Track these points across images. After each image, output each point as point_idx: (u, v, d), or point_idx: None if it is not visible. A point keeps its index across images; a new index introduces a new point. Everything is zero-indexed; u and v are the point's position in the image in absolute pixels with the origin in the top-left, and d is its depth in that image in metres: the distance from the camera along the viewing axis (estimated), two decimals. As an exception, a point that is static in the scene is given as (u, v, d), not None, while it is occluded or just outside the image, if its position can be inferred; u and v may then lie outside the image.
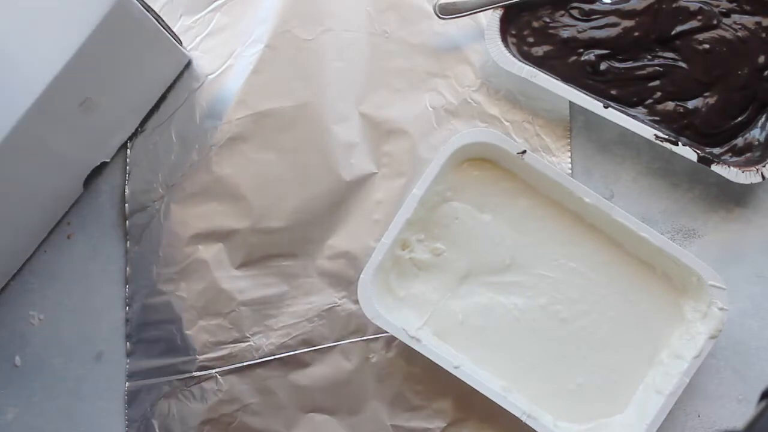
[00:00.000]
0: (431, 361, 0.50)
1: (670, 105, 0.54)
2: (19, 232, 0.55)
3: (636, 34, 0.54)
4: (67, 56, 0.45)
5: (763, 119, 0.54)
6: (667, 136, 0.53)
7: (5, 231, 0.53)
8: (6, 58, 0.44)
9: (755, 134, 0.54)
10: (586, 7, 0.55)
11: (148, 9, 0.51)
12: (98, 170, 0.58)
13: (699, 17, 0.54)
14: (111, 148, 0.58)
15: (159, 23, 0.53)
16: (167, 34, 0.54)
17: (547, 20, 0.55)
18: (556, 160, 0.56)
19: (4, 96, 0.44)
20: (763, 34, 0.54)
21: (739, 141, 0.54)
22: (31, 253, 0.57)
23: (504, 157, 0.53)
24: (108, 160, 0.57)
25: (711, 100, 0.54)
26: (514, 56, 0.55)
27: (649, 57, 0.54)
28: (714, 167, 0.52)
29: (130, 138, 0.58)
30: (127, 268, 0.57)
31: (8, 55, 0.44)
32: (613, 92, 0.54)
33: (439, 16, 0.56)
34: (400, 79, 0.58)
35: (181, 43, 0.57)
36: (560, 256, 0.54)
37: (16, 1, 0.45)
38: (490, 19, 0.55)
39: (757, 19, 0.54)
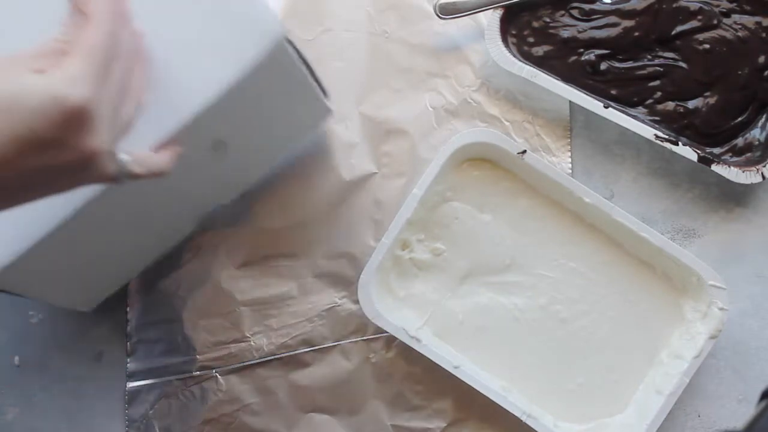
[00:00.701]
0: (431, 361, 0.50)
1: (670, 105, 0.54)
2: (126, 260, 0.53)
3: (636, 34, 0.54)
4: (213, 96, 0.42)
5: (763, 119, 0.54)
6: (667, 136, 0.53)
7: (113, 258, 0.51)
8: (156, 81, 0.41)
9: (755, 134, 0.54)
10: (587, 7, 0.55)
11: (302, 59, 0.48)
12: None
13: (699, 17, 0.54)
14: (232, 193, 0.54)
15: (310, 73, 0.49)
16: (316, 84, 0.50)
17: (548, 20, 0.55)
18: (556, 160, 0.56)
19: (140, 126, 0.41)
20: (763, 34, 0.54)
21: (740, 141, 0.54)
22: (131, 277, 0.56)
23: (504, 157, 0.53)
24: (228, 203, 0.54)
25: (711, 100, 0.54)
26: (514, 56, 0.55)
27: (649, 57, 0.54)
28: (714, 167, 0.52)
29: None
30: (127, 268, 0.57)
31: (155, 83, 0.42)
32: (613, 92, 0.54)
33: (439, 16, 0.56)
34: (400, 79, 0.58)
35: (326, 94, 0.52)
36: (560, 256, 0.54)
37: (172, 31, 0.42)
38: (490, 19, 0.55)
39: (757, 19, 0.54)
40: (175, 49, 0.42)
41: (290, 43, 0.45)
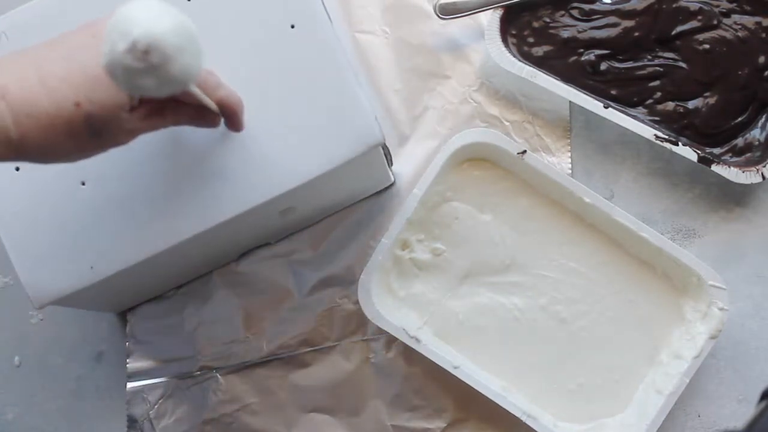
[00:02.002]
0: (431, 361, 0.50)
1: (670, 105, 0.54)
2: (170, 279, 0.56)
3: (636, 34, 0.54)
4: (302, 180, 0.45)
5: (763, 119, 0.54)
6: (667, 136, 0.53)
7: (159, 278, 0.54)
8: (251, 155, 0.45)
9: (755, 134, 0.54)
10: (587, 7, 0.55)
11: (385, 149, 0.51)
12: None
13: (699, 17, 0.54)
14: (280, 236, 0.56)
15: (386, 155, 0.53)
16: (386, 162, 0.53)
17: (548, 20, 0.55)
18: (556, 160, 0.56)
19: (228, 192, 0.45)
20: (763, 34, 0.54)
21: (739, 141, 0.54)
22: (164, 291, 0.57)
23: (504, 157, 0.53)
24: (273, 243, 0.56)
25: (711, 100, 0.54)
26: (514, 56, 0.55)
27: (649, 57, 0.54)
28: (714, 167, 0.52)
29: None
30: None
31: (253, 153, 0.45)
32: (613, 92, 0.54)
33: (439, 16, 0.56)
34: (400, 79, 0.58)
35: (391, 163, 0.55)
36: (560, 256, 0.54)
37: (281, 112, 0.46)
38: (490, 19, 0.55)
39: (757, 19, 0.54)
40: (279, 131, 0.45)
41: (385, 146, 0.49)
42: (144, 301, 0.56)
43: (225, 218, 0.45)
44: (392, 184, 0.56)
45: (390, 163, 0.54)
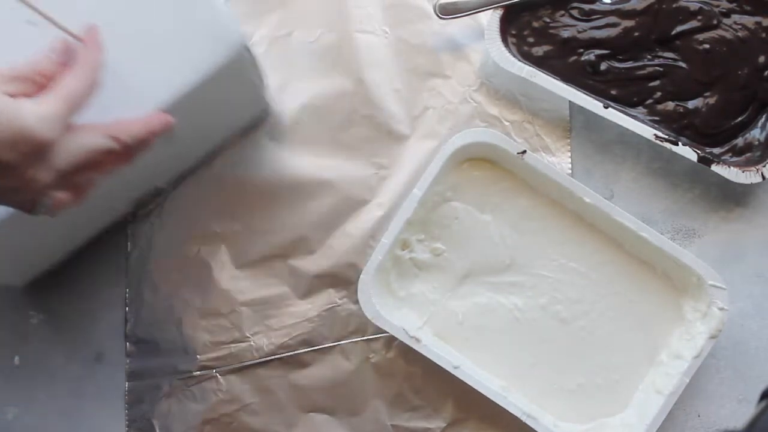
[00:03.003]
0: (431, 361, 0.50)
1: (670, 105, 0.54)
2: (60, 239, 0.55)
3: (636, 34, 0.54)
4: (173, 96, 0.45)
5: (763, 119, 0.54)
6: (667, 136, 0.53)
7: (45, 237, 0.53)
8: (114, 79, 0.44)
9: (755, 134, 0.54)
10: (586, 7, 0.55)
11: (254, 61, 0.51)
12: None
13: (699, 17, 0.54)
14: (170, 174, 0.56)
15: (256, 71, 0.52)
16: (262, 81, 0.53)
17: (547, 20, 0.55)
18: (556, 160, 0.56)
19: (97, 119, 0.44)
20: (763, 34, 0.54)
21: (739, 141, 0.54)
22: (67, 254, 0.57)
23: (504, 157, 0.53)
24: (164, 186, 0.56)
25: (711, 100, 0.54)
26: (514, 56, 0.55)
27: (649, 57, 0.54)
28: (714, 167, 0.52)
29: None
30: (127, 268, 0.57)
31: (117, 77, 0.44)
32: (613, 92, 0.54)
33: (439, 16, 0.56)
34: (399, 79, 0.58)
35: (267, 88, 0.56)
36: (560, 256, 0.54)
37: (136, 33, 0.44)
38: (490, 19, 0.55)
39: (757, 19, 0.54)
40: (139, 51, 0.44)
41: (248, 50, 0.48)
42: (49, 267, 0.56)
43: None
44: (269, 115, 0.56)
45: (266, 86, 0.55)
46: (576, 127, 0.57)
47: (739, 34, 0.54)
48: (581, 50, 0.54)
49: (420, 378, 0.54)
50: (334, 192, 0.56)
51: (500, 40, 0.54)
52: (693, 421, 0.53)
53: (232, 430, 0.54)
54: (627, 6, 0.54)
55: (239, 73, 0.48)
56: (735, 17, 0.54)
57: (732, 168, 0.52)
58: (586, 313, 0.53)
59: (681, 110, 0.54)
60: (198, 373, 0.55)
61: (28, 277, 0.56)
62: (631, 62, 0.54)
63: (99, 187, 0.48)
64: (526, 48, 0.55)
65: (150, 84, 0.44)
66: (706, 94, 0.54)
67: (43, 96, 0.37)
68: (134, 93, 0.44)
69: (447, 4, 0.55)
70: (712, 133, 0.54)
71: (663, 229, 0.55)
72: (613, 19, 0.54)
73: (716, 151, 0.54)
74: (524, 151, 0.52)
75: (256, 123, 0.57)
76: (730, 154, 0.54)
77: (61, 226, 0.52)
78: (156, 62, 0.45)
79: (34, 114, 0.35)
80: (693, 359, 0.50)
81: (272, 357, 0.55)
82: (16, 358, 0.57)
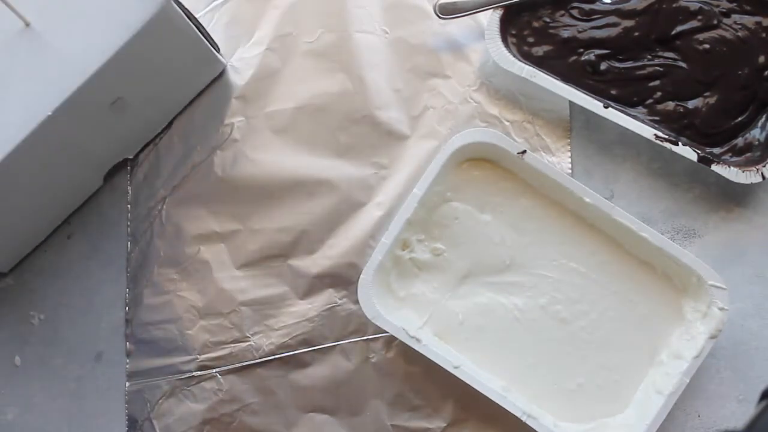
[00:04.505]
0: (431, 361, 0.50)
1: (670, 105, 0.54)
2: (36, 220, 0.56)
3: (636, 34, 0.54)
4: (106, 56, 0.46)
5: (763, 119, 0.54)
6: (667, 136, 0.53)
7: (21, 219, 0.54)
8: (46, 50, 0.46)
9: (755, 134, 0.54)
10: (586, 7, 0.55)
11: (190, 17, 0.52)
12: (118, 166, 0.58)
13: (699, 17, 0.54)
14: (136, 145, 0.58)
15: (199, 31, 0.54)
16: (206, 41, 0.55)
17: (547, 20, 0.55)
18: (556, 160, 0.56)
19: (38, 88, 0.46)
20: (763, 34, 0.54)
21: (739, 141, 0.54)
22: (46, 236, 0.58)
23: (504, 157, 0.53)
24: (131, 157, 0.58)
25: (711, 100, 0.54)
26: (514, 56, 0.55)
27: (649, 57, 0.54)
28: (714, 167, 0.52)
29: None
30: (128, 268, 0.57)
31: (49, 46, 0.46)
32: (613, 92, 0.54)
33: (439, 16, 0.56)
34: (399, 79, 0.58)
35: (218, 50, 0.57)
36: (560, 256, 0.54)
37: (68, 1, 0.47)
38: (490, 19, 0.55)
39: (757, 19, 0.54)
40: (65, 17, 0.46)
41: (178, 3, 0.50)
42: (29, 252, 0.57)
43: (41, 119, 0.45)
44: (222, 66, 0.57)
45: (215, 47, 0.56)
46: (576, 127, 0.57)
47: (739, 34, 0.54)
48: (581, 50, 0.55)
49: (420, 378, 0.54)
50: (334, 192, 0.56)
51: (500, 40, 0.54)
52: (693, 421, 0.53)
53: (232, 430, 0.54)
54: (627, 6, 0.54)
55: (170, 27, 0.50)
56: (735, 17, 0.54)
57: (732, 168, 0.52)
58: (586, 313, 0.53)
59: (681, 110, 0.54)
60: (198, 373, 0.55)
61: (11, 262, 0.57)
62: (631, 62, 0.54)
63: (66, 164, 0.50)
64: (526, 48, 0.55)
65: (83, 49, 0.46)
66: (706, 94, 0.54)
67: None
68: (71, 61, 0.46)
69: (447, 4, 0.55)
70: (712, 133, 0.53)
71: (663, 229, 0.55)
72: (613, 18, 0.54)
73: (716, 150, 0.54)
74: (524, 151, 0.52)
75: (213, 84, 0.58)
76: (730, 154, 0.54)
77: (35, 209, 0.54)
78: (85, 28, 0.46)
79: None
80: (693, 359, 0.50)
81: (272, 357, 0.55)
82: (17, 358, 0.57)
